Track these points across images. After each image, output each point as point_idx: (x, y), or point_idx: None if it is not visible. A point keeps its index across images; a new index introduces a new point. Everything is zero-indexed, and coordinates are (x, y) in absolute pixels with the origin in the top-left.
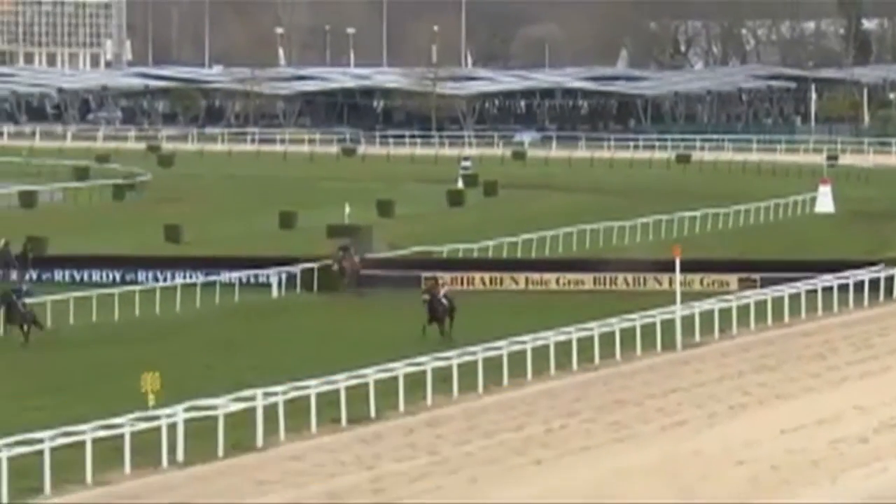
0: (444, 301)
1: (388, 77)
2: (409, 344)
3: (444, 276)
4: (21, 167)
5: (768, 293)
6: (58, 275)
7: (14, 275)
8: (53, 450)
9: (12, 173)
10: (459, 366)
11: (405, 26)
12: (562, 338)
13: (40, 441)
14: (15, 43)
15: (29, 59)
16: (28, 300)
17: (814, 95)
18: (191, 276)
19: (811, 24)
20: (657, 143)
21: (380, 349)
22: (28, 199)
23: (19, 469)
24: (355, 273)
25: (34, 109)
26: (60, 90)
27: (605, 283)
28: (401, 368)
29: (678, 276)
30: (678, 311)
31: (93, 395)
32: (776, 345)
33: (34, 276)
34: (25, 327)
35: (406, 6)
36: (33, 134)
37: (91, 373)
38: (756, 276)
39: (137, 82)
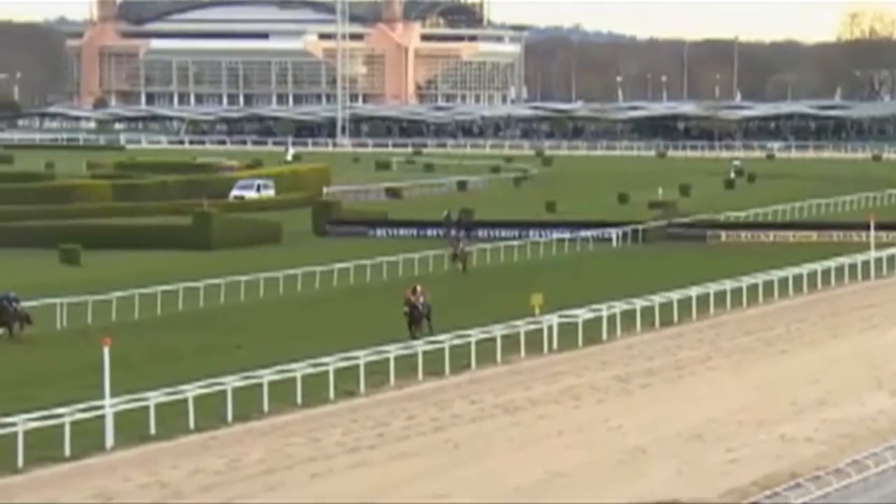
0: (421, 307)
1: (687, 107)
2: (698, 275)
3: (721, 234)
4: (458, 166)
5: None
6: (480, 233)
7: (452, 233)
8: (452, 347)
9: (453, 170)
10: (731, 290)
11: (698, 74)
12: (796, 272)
13: (441, 341)
14: (455, 88)
15: (464, 98)
16: (18, 304)
17: None
18: (561, 234)
19: None
20: (860, 149)
21: (681, 279)
22: (462, 186)
23: (432, 359)
24: (463, 254)
25: (466, 129)
26: (482, 117)
27: (824, 238)
28: (693, 290)
29: (872, 233)
30: (872, 255)
31: (498, 307)
32: None
33: (466, 234)
34: (18, 326)
35: (699, 61)
36: (465, 145)
37: (499, 293)
38: None
39: (530, 112)
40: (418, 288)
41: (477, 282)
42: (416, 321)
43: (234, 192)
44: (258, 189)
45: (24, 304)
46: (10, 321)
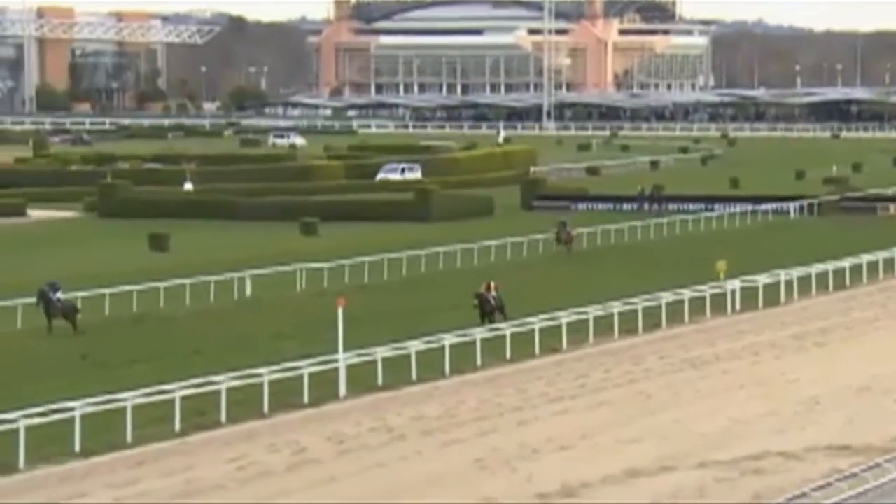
0: (493, 301)
1: (859, 92)
2: (869, 244)
3: (890, 207)
4: (651, 147)
5: None
6: (671, 206)
7: (645, 206)
8: (644, 308)
9: (646, 150)
10: (884, 260)
11: (871, 63)
12: None
13: (634, 303)
14: (649, 77)
15: (657, 86)
16: (61, 295)
17: None
18: (744, 207)
19: None
20: None
21: (852, 247)
22: (654, 164)
23: (626, 319)
24: (569, 240)
25: (658, 114)
26: (673, 103)
27: None
28: (864, 257)
29: None
30: None
31: (682, 274)
32: None
33: (658, 207)
34: (63, 317)
35: (871, 51)
36: (657, 128)
37: (683, 260)
38: None
39: (716, 98)
40: (491, 284)
41: (649, 251)
42: (490, 314)
43: (380, 175)
44: (402, 172)
45: (273, 269)
46: (55, 313)
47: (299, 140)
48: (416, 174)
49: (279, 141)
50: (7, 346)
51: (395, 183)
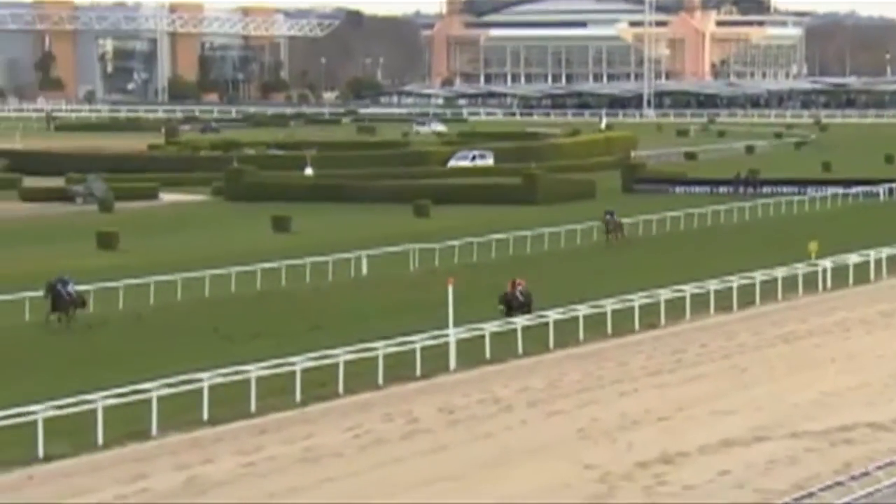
0: (520, 297)
1: None
2: None
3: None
4: (746, 133)
5: None
6: (765, 189)
7: (741, 190)
8: (739, 286)
9: (741, 136)
10: None
11: None
12: None
13: (730, 281)
14: (745, 66)
15: (752, 75)
16: (72, 287)
17: None
18: (835, 190)
19: None
20: None
21: None
22: (749, 149)
23: (721, 297)
24: (617, 228)
25: (754, 102)
26: (768, 91)
27: None
28: None
29: None
30: None
31: (776, 254)
32: None
33: (753, 190)
34: (73, 311)
35: None
36: (753, 115)
37: (776, 241)
38: None
39: (809, 86)
40: (517, 280)
41: (754, 231)
42: (514, 312)
43: (451, 162)
44: (473, 159)
45: (387, 249)
46: (66, 306)
47: (440, 127)
48: (488, 161)
49: (422, 129)
50: (150, 321)
51: (465, 170)
